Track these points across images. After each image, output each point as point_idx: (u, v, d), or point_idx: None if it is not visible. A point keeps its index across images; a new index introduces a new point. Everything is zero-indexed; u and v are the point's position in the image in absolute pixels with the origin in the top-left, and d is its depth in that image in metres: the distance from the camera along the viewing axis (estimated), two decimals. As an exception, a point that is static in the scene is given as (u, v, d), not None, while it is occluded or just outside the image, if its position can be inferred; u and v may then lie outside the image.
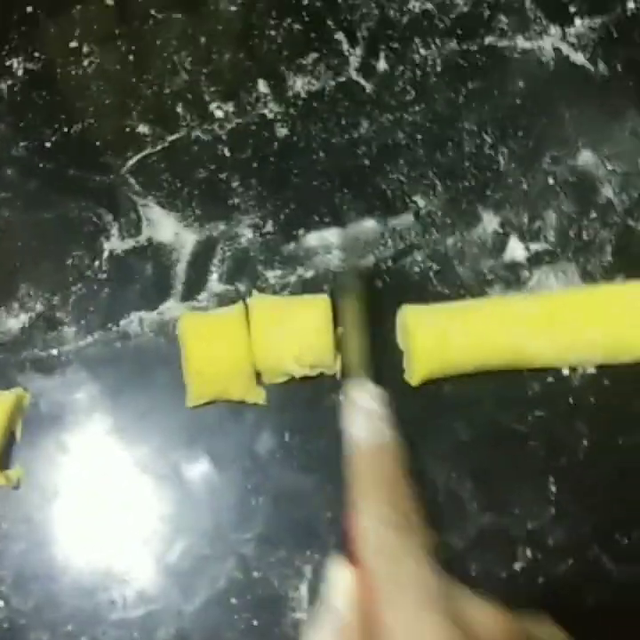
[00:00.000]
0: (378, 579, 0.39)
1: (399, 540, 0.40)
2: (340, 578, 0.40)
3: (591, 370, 0.58)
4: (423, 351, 0.56)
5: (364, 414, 0.47)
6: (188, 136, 0.63)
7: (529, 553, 0.55)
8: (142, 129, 0.64)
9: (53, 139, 0.63)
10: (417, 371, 0.56)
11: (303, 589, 0.55)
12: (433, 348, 0.56)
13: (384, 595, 0.38)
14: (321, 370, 0.57)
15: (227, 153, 0.63)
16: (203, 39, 0.66)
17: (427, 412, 0.58)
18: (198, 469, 0.57)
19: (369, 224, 0.62)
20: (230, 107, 0.64)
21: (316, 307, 0.56)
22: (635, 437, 0.57)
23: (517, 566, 0.55)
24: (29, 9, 0.67)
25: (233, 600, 0.55)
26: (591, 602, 0.54)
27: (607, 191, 0.62)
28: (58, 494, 0.57)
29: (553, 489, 0.56)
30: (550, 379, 0.58)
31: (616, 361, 0.57)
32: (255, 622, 0.54)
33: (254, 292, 0.60)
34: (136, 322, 0.60)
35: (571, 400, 0.58)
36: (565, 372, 0.58)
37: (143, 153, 0.63)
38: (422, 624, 0.36)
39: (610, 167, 0.62)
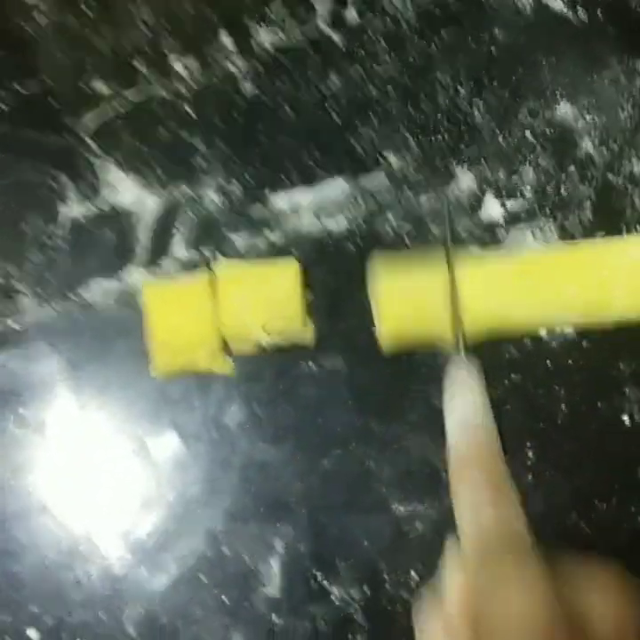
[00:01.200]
0: (479, 574, 0.37)
1: (494, 507, 0.39)
2: (451, 568, 0.39)
3: (570, 333, 0.55)
4: (393, 317, 0.52)
5: (460, 387, 0.46)
6: (149, 94, 0.59)
7: (506, 522, 0.52)
8: (100, 87, 0.59)
9: (5, 99, 0.59)
10: (386, 335, 0.52)
11: (274, 564, 0.52)
12: (403, 314, 0.52)
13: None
14: (291, 339, 0.53)
15: (189, 111, 0.58)
16: (163, -10, 0.61)
17: (399, 379, 0.54)
18: (164, 443, 0.54)
19: (340, 183, 0.57)
20: (192, 62, 0.59)
21: (285, 272, 0.52)
22: (614, 401, 0.54)
23: (494, 536, 0.52)
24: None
25: (202, 577, 0.52)
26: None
27: (586, 144, 0.58)
28: (18, 470, 0.53)
29: (530, 455, 0.53)
30: (527, 341, 0.55)
31: (597, 321, 0.53)
32: (225, 599, 0.51)
33: (220, 257, 0.55)
34: (96, 290, 0.56)
35: (548, 363, 0.55)
36: (543, 334, 0.55)
37: (102, 112, 0.58)
38: (527, 619, 0.33)
39: (589, 119, 0.58)
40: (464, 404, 0.46)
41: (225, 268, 0.53)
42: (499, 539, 0.38)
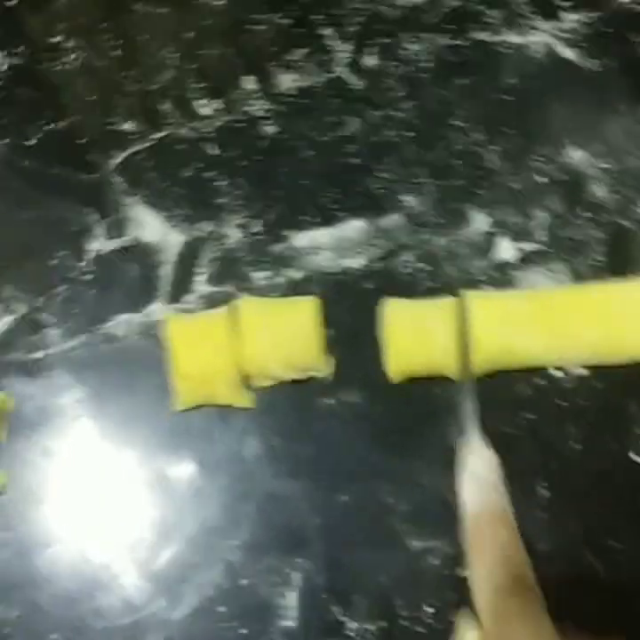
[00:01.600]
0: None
1: (515, 603, 0.39)
2: (465, 634, 0.41)
3: (582, 371, 0.56)
4: (398, 344, 0.53)
5: (477, 481, 0.45)
6: (175, 134, 0.60)
7: (519, 558, 0.52)
8: (128, 126, 0.60)
9: (37, 136, 0.60)
10: (393, 364, 0.53)
11: (291, 597, 0.52)
12: (409, 342, 0.52)
13: None
14: (310, 373, 0.54)
15: (214, 151, 0.60)
16: (190, 34, 0.62)
17: (417, 417, 0.55)
18: (185, 475, 0.54)
19: (358, 224, 0.59)
20: (218, 104, 0.61)
21: (305, 309, 0.53)
22: (626, 440, 0.55)
23: (507, 572, 0.52)
24: (12, 2, 0.63)
25: (220, 608, 0.52)
26: (582, 608, 0.52)
27: (598, 190, 0.59)
28: (42, 500, 0.54)
29: (543, 493, 0.54)
30: (540, 380, 0.56)
31: (608, 361, 0.54)
32: (243, 630, 0.51)
33: (242, 294, 0.57)
34: (121, 324, 0.57)
35: (561, 402, 0.55)
36: (555, 373, 0.56)
37: (129, 151, 0.60)
38: None
39: (601, 165, 0.59)
40: (484, 495, 0.45)
41: (247, 303, 0.54)
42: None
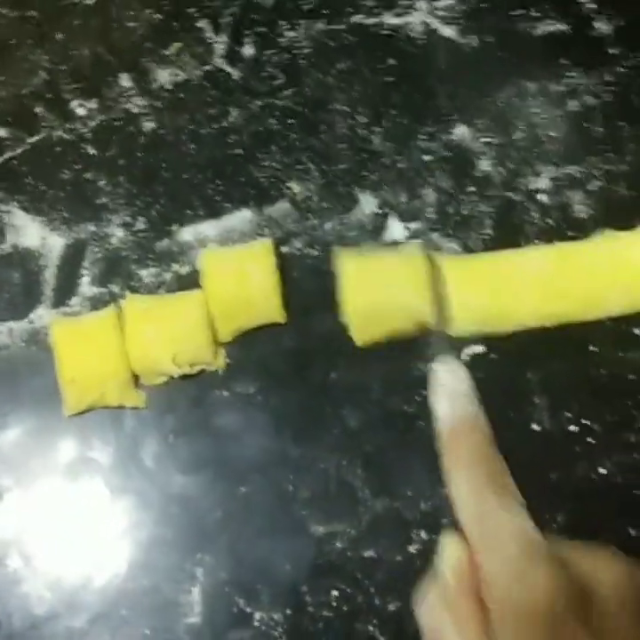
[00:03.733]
0: (477, 538, 0.42)
1: (496, 500, 0.44)
2: (447, 547, 0.44)
3: (479, 348, 0.63)
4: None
5: (449, 392, 0.51)
6: (50, 137, 0.66)
7: (423, 534, 0.59)
8: (1, 132, 0.66)
9: None
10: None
11: (195, 593, 0.58)
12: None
13: (485, 553, 0.41)
14: (201, 367, 0.60)
15: (92, 151, 0.66)
16: (60, 36, 0.69)
17: (314, 402, 0.61)
18: (81, 479, 0.60)
19: (244, 214, 0.65)
20: (93, 104, 0.67)
21: (191, 302, 0.59)
22: (525, 410, 0.62)
23: (412, 549, 0.59)
24: None
25: (122, 611, 0.57)
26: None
27: (484, 164, 0.66)
28: None
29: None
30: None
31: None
32: (147, 631, 0.57)
33: (128, 293, 0.63)
34: (5, 333, 0.62)
35: (458, 377, 0.62)
36: (453, 351, 0.62)
37: (3, 157, 0.65)
38: (526, 575, 0.39)
39: (485, 140, 0.67)
40: (455, 405, 0.51)
41: (131, 302, 0.60)
42: (507, 533, 0.42)
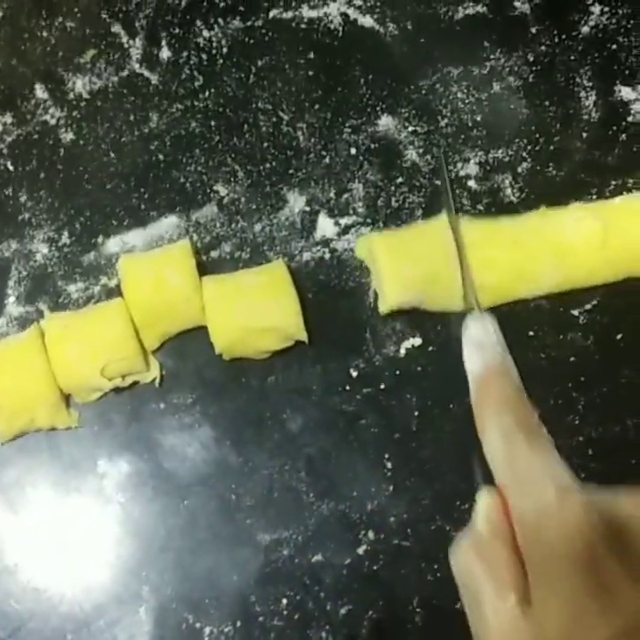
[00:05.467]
0: (510, 481, 0.41)
1: (526, 443, 0.42)
2: (481, 499, 0.42)
3: (417, 340, 0.60)
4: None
5: (477, 345, 0.49)
6: (-34, 155, 0.63)
7: (371, 535, 0.57)
8: None
9: None
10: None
11: (142, 612, 0.55)
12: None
13: (518, 496, 0.39)
14: (134, 378, 0.58)
15: (10, 166, 0.63)
16: (-30, 50, 0.65)
17: (253, 408, 0.59)
18: (19, 504, 0.57)
19: (171, 220, 0.62)
20: (8, 117, 0.64)
21: (112, 312, 0.56)
22: (464, 400, 0.59)
23: (360, 550, 0.57)
24: None
25: (69, 636, 0.55)
26: (437, 574, 0.56)
27: (411, 154, 0.64)
28: None
29: (389, 465, 0.58)
30: (376, 355, 0.60)
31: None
32: (95, 655, 0.54)
33: (57, 310, 0.60)
34: None
35: (397, 372, 0.60)
36: (391, 347, 0.60)
37: None
38: (560, 515, 0.37)
39: (411, 129, 0.64)
40: (485, 356, 0.49)
41: (50, 320, 0.57)
42: (538, 474, 0.40)
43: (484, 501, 0.42)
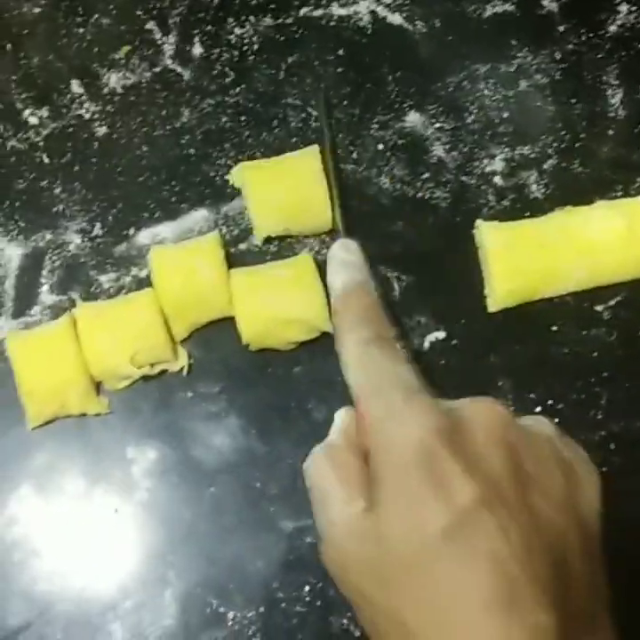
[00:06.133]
0: (362, 387, 0.42)
1: (379, 352, 0.43)
2: (338, 417, 0.44)
3: (440, 334, 0.61)
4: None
5: (340, 264, 0.51)
6: (4, 147, 0.64)
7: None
8: (-46, 144, 0.64)
9: None
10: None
11: (168, 595, 0.56)
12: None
13: (369, 400, 0.41)
14: (162, 367, 0.58)
15: (45, 159, 0.64)
16: (8, 46, 0.66)
17: (278, 397, 0.59)
18: (48, 489, 0.58)
19: (201, 214, 0.63)
20: (44, 112, 0.65)
21: (142, 302, 0.57)
22: (489, 394, 0.59)
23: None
24: None
25: (96, 618, 0.56)
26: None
27: (437, 150, 0.64)
28: None
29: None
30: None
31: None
32: (121, 636, 0.55)
33: (89, 300, 0.61)
34: (-33, 346, 0.60)
35: (421, 365, 0.60)
36: (414, 341, 0.60)
37: (-44, 170, 0.63)
38: (409, 412, 0.39)
39: (438, 125, 0.64)
40: (346, 274, 0.50)
41: (83, 309, 0.58)
42: (388, 379, 0.42)
43: (341, 417, 0.44)
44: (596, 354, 0.59)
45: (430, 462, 0.37)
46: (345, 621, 0.55)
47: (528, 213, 0.62)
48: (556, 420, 0.56)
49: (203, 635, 0.55)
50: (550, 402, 0.59)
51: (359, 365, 0.43)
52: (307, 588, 0.56)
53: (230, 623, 0.55)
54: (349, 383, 0.43)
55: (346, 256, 0.51)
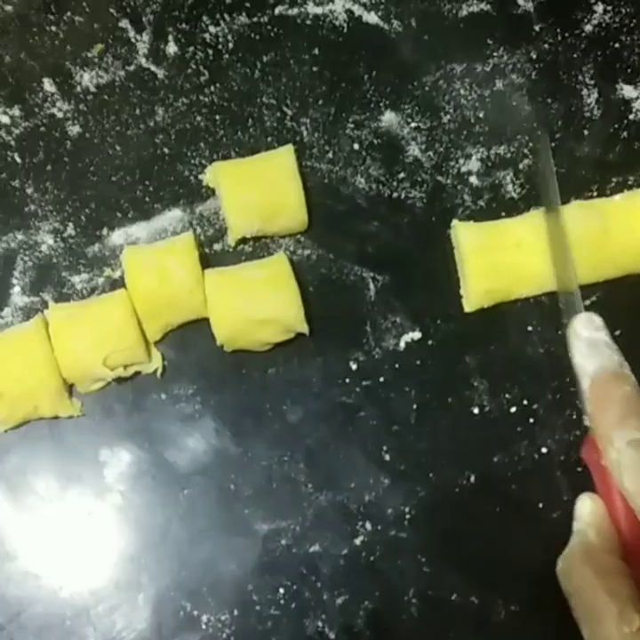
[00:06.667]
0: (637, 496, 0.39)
1: None
2: (583, 506, 0.42)
3: (416, 334, 0.60)
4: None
5: (589, 345, 0.47)
6: (-27, 147, 0.63)
7: (368, 526, 0.57)
8: None
9: None
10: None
11: (141, 599, 0.55)
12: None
13: None
14: (136, 368, 0.57)
15: (17, 159, 0.63)
16: (-21, 43, 0.65)
17: (253, 399, 0.59)
18: (20, 492, 0.57)
19: (175, 214, 0.62)
20: (16, 110, 0.64)
21: (117, 303, 0.56)
22: (465, 394, 0.59)
23: (357, 541, 0.56)
24: None
25: (68, 622, 0.55)
26: (433, 566, 0.56)
27: (413, 149, 0.63)
28: None
29: (387, 457, 0.58)
30: (376, 349, 0.60)
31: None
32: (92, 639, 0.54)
33: (61, 301, 0.60)
34: None
35: (397, 365, 0.59)
36: (390, 341, 0.60)
37: None
38: None
39: (414, 125, 0.64)
40: (599, 356, 0.46)
41: (55, 310, 0.57)
42: None
43: (590, 509, 0.41)
44: (571, 354, 0.59)
45: None
46: (319, 624, 0.55)
47: (504, 213, 0.61)
48: (531, 420, 0.56)
49: (176, 638, 0.54)
50: (525, 402, 0.58)
51: (635, 471, 0.40)
52: (281, 591, 0.55)
53: (204, 626, 0.55)
54: (625, 484, 0.41)
55: (594, 334, 0.48)
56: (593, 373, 0.45)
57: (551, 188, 0.57)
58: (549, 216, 0.56)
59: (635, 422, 0.42)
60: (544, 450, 0.58)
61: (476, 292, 0.58)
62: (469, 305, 0.59)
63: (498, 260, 0.58)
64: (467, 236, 0.59)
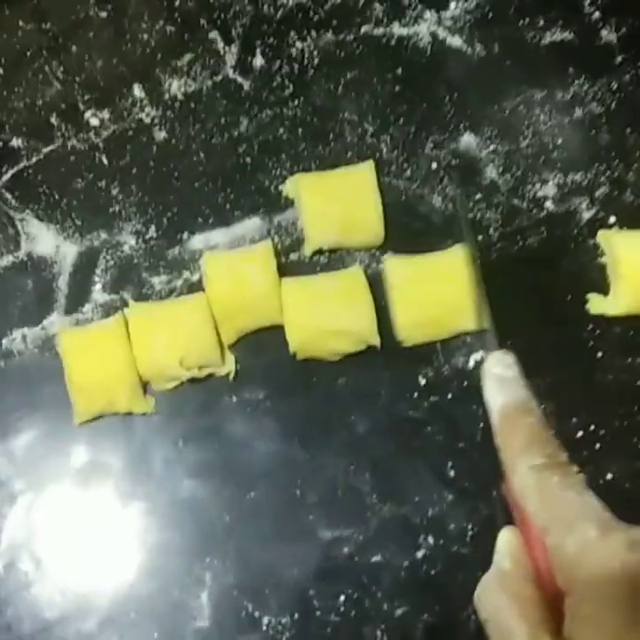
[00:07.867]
0: (547, 520, 0.39)
1: (559, 480, 0.40)
2: (503, 539, 0.42)
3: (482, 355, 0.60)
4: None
5: (497, 381, 0.47)
6: (64, 146, 0.64)
7: (431, 539, 0.57)
8: (16, 142, 0.64)
9: None
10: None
11: (204, 597, 0.56)
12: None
13: (557, 535, 0.38)
14: (210, 370, 0.58)
15: (104, 160, 0.64)
16: (74, 47, 0.67)
17: (321, 407, 0.59)
18: (92, 485, 0.58)
19: (253, 222, 0.63)
20: (106, 114, 0.65)
21: (195, 306, 0.57)
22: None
23: (419, 554, 0.57)
24: None
25: (132, 614, 0.55)
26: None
27: (490, 172, 0.64)
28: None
29: (451, 474, 0.58)
30: (445, 365, 0.60)
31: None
32: (156, 634, 0.55)
33: (140, 300, 0.61)
34: (19, 339, 0.60)
35: (465, 383, 0.60)
36: (460, 359, 0.60)
37: (18, 166, 0.64)
38: (608, 546, 0.36)
39: (492, 147, 0.64)
40: (507, 392, 0.46)
41: (136, 309, 0.58)
42: (575, 511, 0.39)
43: (507, 540, 0.41)
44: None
45: (635, 604, 0.35)
46: (378, 633, 0.55)
47: (573, 244, 0.61)
48: (598, 445, 0.56)
49: (237, 638, 0.55)
50: (592, 427, 0.58)
51: (537, 494, 0.41)
52: (342, 598, 0.55)
53: (264, 628, 0.55)
54: (529, 512, 0.41)
55: (503, 372, 0.48)
56: (500, 408, 0.46)
57: (465, 230, 0.56)
58: (467, 255, 0.56)
59: (537, 449, 0.42)
60: (609, 476, 0.58)
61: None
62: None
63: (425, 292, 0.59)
64: (394, 270, 0.59)
